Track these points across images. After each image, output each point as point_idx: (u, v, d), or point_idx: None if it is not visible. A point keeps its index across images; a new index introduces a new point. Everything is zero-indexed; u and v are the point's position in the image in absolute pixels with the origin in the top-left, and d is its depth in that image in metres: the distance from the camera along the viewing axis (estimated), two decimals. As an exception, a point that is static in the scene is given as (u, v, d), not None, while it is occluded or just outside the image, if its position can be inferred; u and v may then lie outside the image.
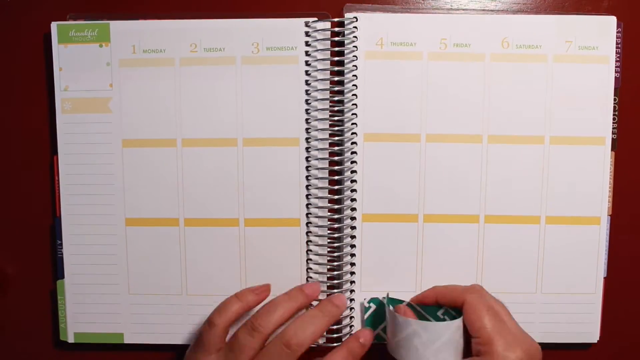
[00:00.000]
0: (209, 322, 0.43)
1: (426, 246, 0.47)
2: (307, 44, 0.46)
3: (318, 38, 0.46)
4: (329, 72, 0.46)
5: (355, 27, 0.45)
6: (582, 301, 0.47)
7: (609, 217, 0.47)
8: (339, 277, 0.47)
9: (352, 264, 0.47)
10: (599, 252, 0.47)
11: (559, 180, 0.46)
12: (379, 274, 0.47)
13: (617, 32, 0.45)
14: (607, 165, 0.46)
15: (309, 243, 0.47)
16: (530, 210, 0.46)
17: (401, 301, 0.46)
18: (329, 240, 0.47)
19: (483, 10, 0.47)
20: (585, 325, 0.47)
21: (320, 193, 0.47)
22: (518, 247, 0.47)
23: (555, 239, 0.46)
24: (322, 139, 0.46)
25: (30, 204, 0.49)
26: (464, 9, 0.47)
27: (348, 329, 0.47)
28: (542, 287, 0.47)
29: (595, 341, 0.47)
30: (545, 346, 0.47)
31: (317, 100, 0.46)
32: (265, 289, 0.46)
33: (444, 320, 0.44)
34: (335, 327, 0.47)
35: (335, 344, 0.47)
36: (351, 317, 0.48)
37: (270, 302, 0.44)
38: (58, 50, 0.46)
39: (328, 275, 0.47)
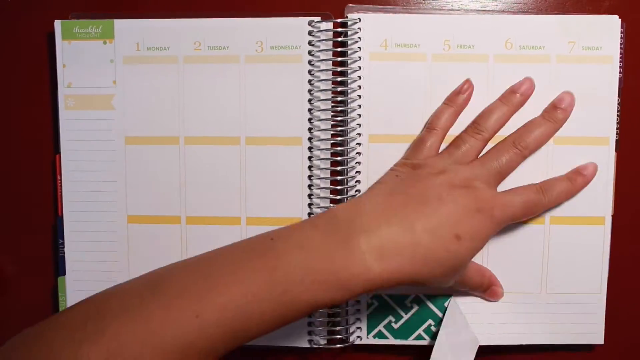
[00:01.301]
0: (428, 128, 0.45)
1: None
2: (310, 43, 0.46)
3: (321, 38, 0.46)
4: (331, 72, 0.46)
5: (358, 28, 0.45)
6: (587, 301, 0.46)
7: (611, 217, 0.46)
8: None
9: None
10: (603, 252, 0.46)
11: (562, 179, 0.46)
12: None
13: (620, 33, 0.45)
14: (611, 165, 0.45)
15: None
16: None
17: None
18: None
19: (484, 10, 0.47)
20: (589, 325, 0.46)
21: (322, 193, 0.47)
22: (523, 248, 0.46)
23: (560, 239, 0.46)
24: (324, 139, 0.46)
25: (33, 203, 0.49)
26: (464, 9, 0.47)
27: (354, 328, 0.47)
28: (546, 287, 0.46)
29: (601, 342, 0.46)
30: (549, 347, 0.47)
31: (320, 100, 0.46)
32: (469, 85, 0.45)
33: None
34: (338, 328, 0.47)
35: (337, 345, 0.47)
36: (357, 319, 0.47)
37: (486, 108, 0.45)
38: (62, 46, 0.46)
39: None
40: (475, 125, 0.44)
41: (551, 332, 0.46)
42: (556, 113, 0.44)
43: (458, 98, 0.45)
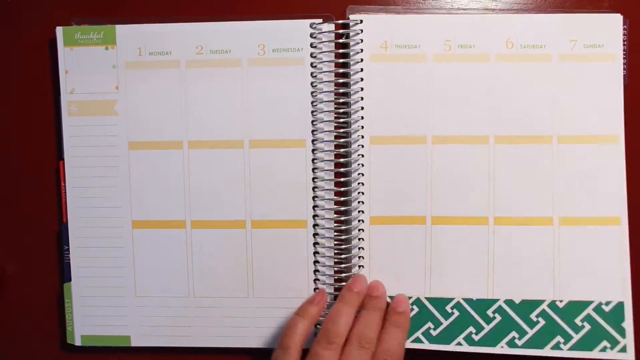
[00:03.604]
0: (282, 347, 0.43)
1: (435, 249, 0.46)
2: (312, 45, 0.46)
3: (323, 40, 0.46)
4: (334, 74, 0.46)
5: (360, 30, 0.45)
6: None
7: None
8: (347, 279, 0.47)
9: (361, 267, 0.47)
10: (621, 255, 0.45)
11: (569, 179, 0.45)
12: (387, 277, 0.47)
13: (623, 30, 0.45)
14: (621, 162, 0.45)
15: (316, 245, 0.47)
16: (542, 211, 0.45)
17: None
18: (335, 242, 0.47)
19: (484, 9, 0.47)
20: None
21: (327, 195, 0.47)
22: (530, 250, 0.45)
23: (571, 241, 0.45)
24: (328, 141, 0.46)
25: (37, 210, 0.49)
26: (464, 9, 0.47)
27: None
28: (560, 293, 0.45)
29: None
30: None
31: (322, 102, 0.46)
32: (322, 297, 0.46)
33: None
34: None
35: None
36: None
37: (332, 311, 0.44)
38: (64, 53, 0.47)
39: (335, 277, 0.47)
40: (326, 336, 0.43)
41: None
42: (376, 303, 0.45)
43: (310, 310, 0.45)
